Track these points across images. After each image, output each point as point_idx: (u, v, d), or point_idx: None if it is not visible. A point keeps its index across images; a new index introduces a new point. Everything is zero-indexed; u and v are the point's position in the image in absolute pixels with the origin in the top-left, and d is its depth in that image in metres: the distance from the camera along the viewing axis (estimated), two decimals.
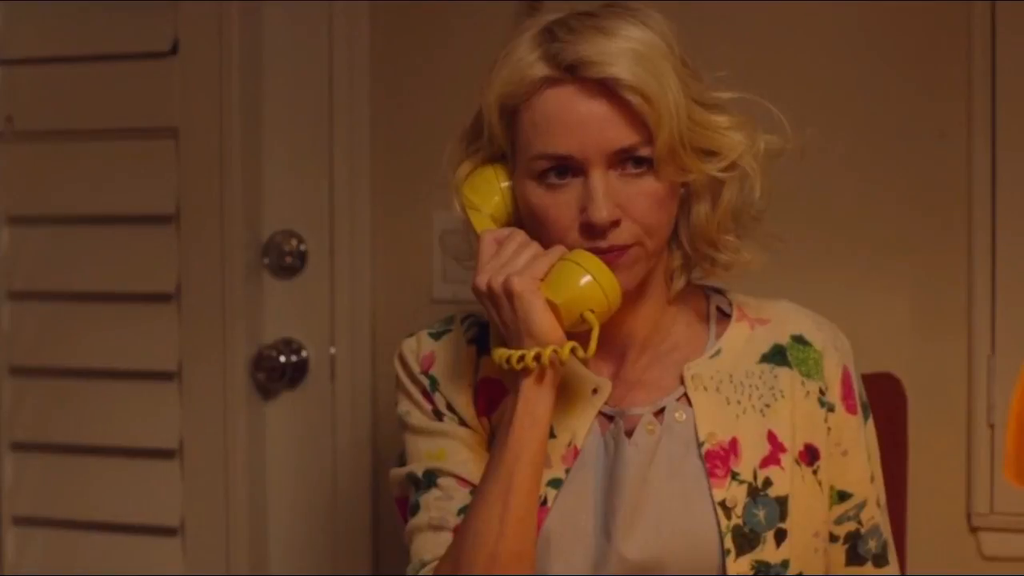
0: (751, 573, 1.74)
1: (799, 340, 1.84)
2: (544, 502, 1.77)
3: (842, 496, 1.83)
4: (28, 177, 2.69)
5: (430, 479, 1.82)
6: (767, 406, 1.79)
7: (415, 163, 2.51)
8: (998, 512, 2.29)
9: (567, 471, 1.79)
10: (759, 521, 1.75)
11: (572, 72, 1.72)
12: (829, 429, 1.81)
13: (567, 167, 1.73)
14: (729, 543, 1.73)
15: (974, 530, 2.31)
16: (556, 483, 1.78)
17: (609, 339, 1.79)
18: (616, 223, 1.72)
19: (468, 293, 2.38)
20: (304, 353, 2.60)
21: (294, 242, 2.59)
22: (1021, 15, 2.25)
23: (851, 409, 1.83)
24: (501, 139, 1.79)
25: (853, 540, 1.85)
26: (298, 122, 2.58)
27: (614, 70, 1.70)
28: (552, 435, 1.78)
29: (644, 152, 1.72)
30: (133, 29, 2.60)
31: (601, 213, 1.71)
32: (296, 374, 2.60)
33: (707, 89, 1.78)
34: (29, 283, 2.69)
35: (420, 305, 2.51)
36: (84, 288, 2.65)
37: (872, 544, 1.85)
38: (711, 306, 1.89)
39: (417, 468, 1.84)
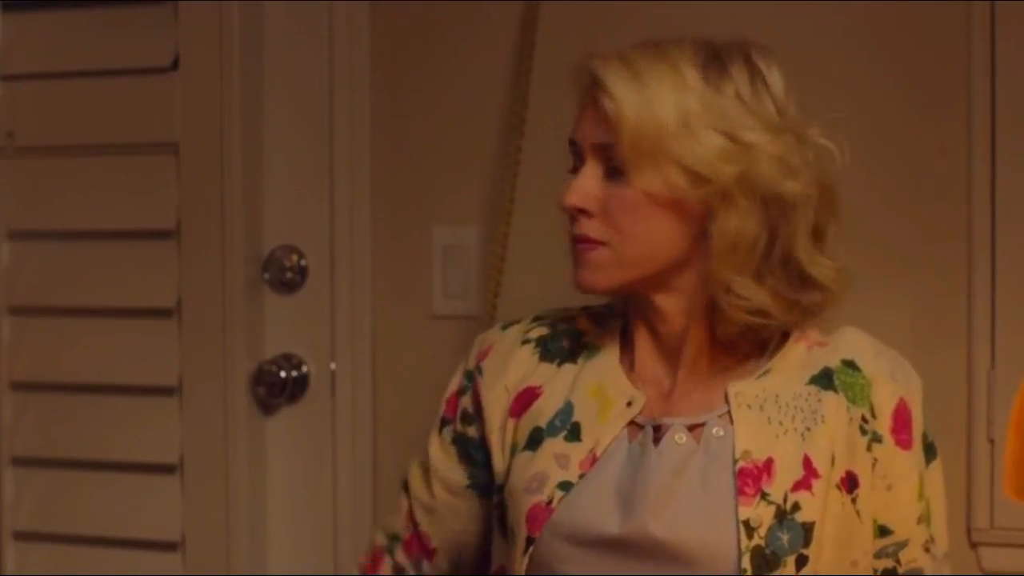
0: None
1: (850, 364, 1.84)
2: (549, 502, 1.80)
3: (882, 531, 1.82)
4: (29, 192, 2.69)
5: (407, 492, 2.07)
6: (808, 429, 1.79)
7: (416, 178, 2.51)
8: (998, 527, 2.29)
9: (581, 476, 1.81)
10: (782, 544, 1.74)
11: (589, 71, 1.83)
12: (875, 460, 1.80)
13: (579, 157, 1.84)
14: (747, 563, 1.73)
15: (974, 545, 2.30)
16: (566, 486, 1.81)
17: (663, 353, 1.86)
18: (586, 213, 1.80)
19: (469, 309, 2.41)
20: (304, 368, 2.60)
21: (294, 257, 2.59)
22: (1021, 27, 2.26)
23: (903, 444, 1.81)
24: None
25: None
26: (299, 137, 2.59)
27: (602, 71, 1.79)
28: (578, 439, 1.83)
29: (616, 153, 1.78)
30: (134, 44, 2.61)
31: (568, 197, 1.81)
32: (296, 389, 2.60)
33: (750, 122, 1.79)
34: (30, 298, 2.69)
35: (421, 321, 2.52)
36: (84, 303, 2.65)
37: None
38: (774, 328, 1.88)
39: (412, 477, 2.05)
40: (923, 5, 2.30)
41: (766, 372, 1.84)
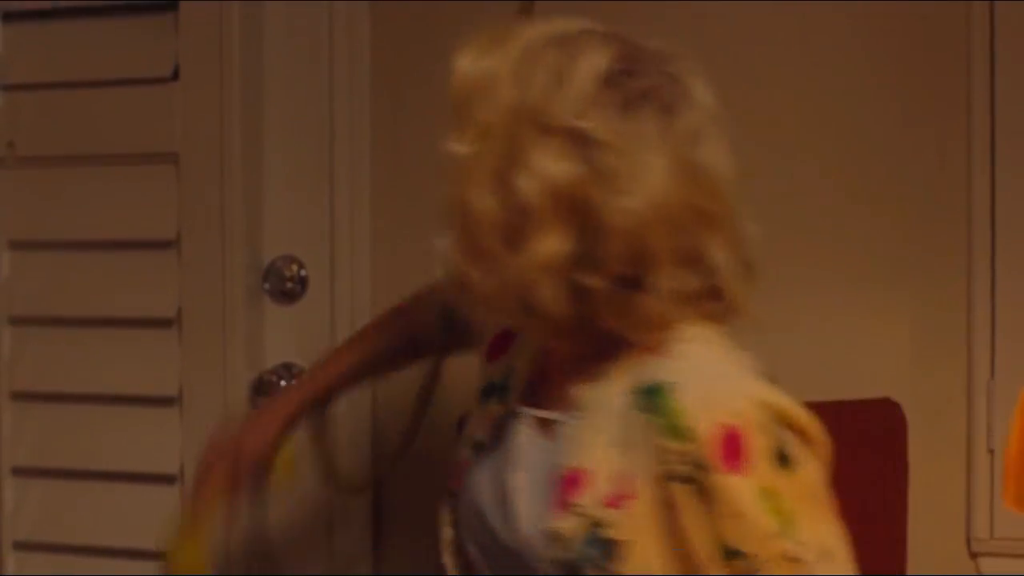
0: None
1: (659, 388, 1.73)
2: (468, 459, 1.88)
3: (732, 553, 1.73)
4: (29, 202, 2.70)
5: None
6: (627, 444, 1.74)
7: (416, 188, 2.51)
8: (998, 537, 2.29)
9: (480, 441, 1.89)
10: (587, 557, 1.72)
11: None
12: (699, 487, 1.70)
13: None
14: (542, 567, 1.74)
15: (974, 555, 2.31)
16: (480, 446, 1.88)
17: (542, 349, 1.85)
18: None
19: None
20: None
21: (295, 267, 2.60)
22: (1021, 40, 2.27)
23: (735, 469, 1.70)
24: None
25: None
26: (299, 147, 2.59)
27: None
28: (500, 402, 1.87)
29: None
30: (134, 54, 2.61)
31: None
32: None
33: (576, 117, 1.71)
34: (30, 308, 2.70)
35: None
36: (85, 313, 2.66)
37: None
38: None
39: None
40: (921, 9, 2.31)
41: (608, 376, 1.77)
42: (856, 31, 2.34)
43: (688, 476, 1.70)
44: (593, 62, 1.71)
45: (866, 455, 2.24)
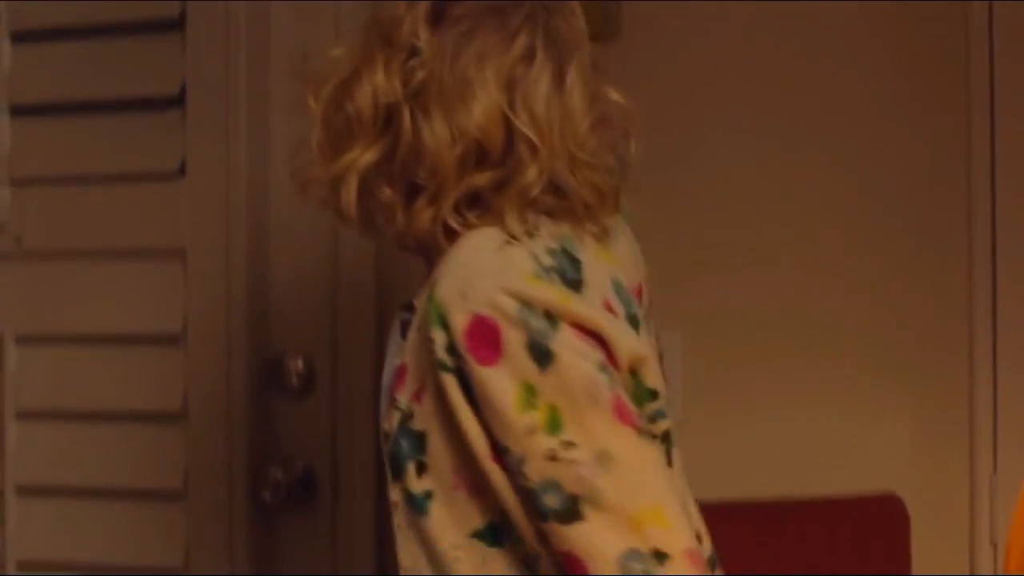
0: (401, 499, 1.77)
1: (431, 283, 1.75)
2: None
3: (497, 449, 1.72)
4: (36, 296, 2.71)
5: None
6: (423, 338, 1.74)
7: (420, 279, 2.53)
8: None
9: None
10: (403, 450, 1.76)
11: None
12: (457, 374, 1.71)
13: None
14: (388, 470, 1.78)
15: None
16: None
17: None
18: None
19: None
20: (310, 473, 2.61)
21: (300, 363, 2.61)
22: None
23: (484, 360, 1.70)
24: None
25: (528, 497, 1.73)
26: (304, 244, 2.61)
27: None
28: None
29: None
30: (142, 150, 2.64)
31: None
32: (302, 494, 2.60)
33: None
34: (36, 402, 2.71)
35: None
36: (91, 407, 2.67)
37: (551, 500, 1.70)
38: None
39: None
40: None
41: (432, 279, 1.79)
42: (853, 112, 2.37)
43: (449, 365, 1.71)
44: None
45: (869, 549, 2.24)
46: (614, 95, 1.83)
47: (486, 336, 1.70)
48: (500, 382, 1.69)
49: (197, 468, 2.59)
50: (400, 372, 1.77)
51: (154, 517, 2.63)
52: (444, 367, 1.70)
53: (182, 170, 2.61)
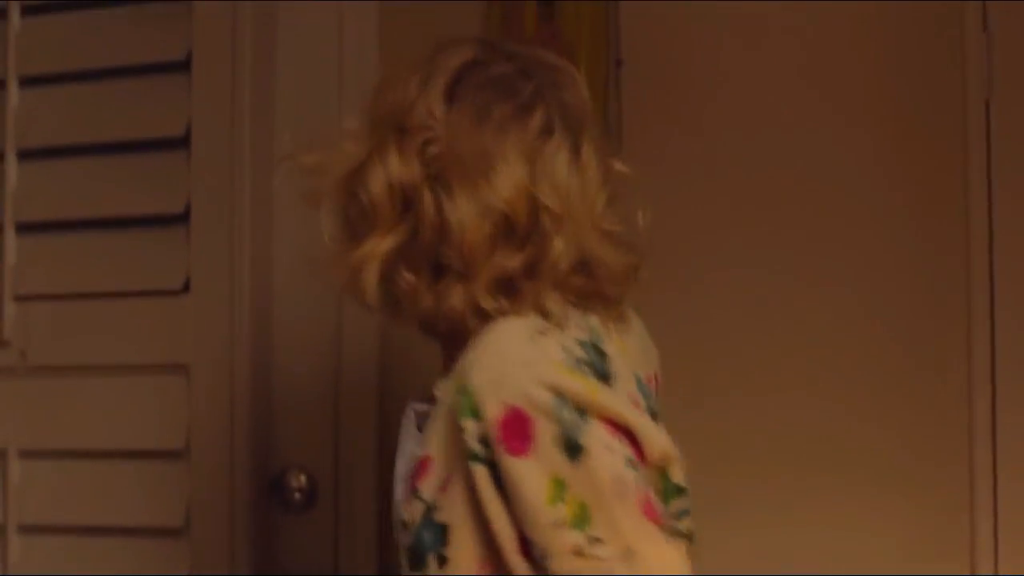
0: None
1: (460, 372, 1.75)
2: None
3: (524, 542, 1.73)
4: (40, 411, 2.71)
5: None
6: (451, 428, 1.74)
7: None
8: None
9: None
10: (424, 542, 1.75)
11: None
12: (493, 470, 1.72)
13: None
14: (404, 560, 1.76)
15: None
16: None
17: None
18: None
19: None
20: None
21: (302, 478, 2.61)
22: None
23: (515, 450, 1.70)
24: None
25: None
26: (307, 360, 2.63)
27: None
28: None
29: None
30: (145, 267, 2.66)
31: None
32: None
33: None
34: (38, 517, 2.71)
35: None
36: (94, 521, 2.66)
37: None
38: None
39: None
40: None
41: (451, 370, 1.79)
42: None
43: (481, 455, 1.71)
44: (453, 59, 1.80)
45: None
46: (619, 166, 1.86)
47: (519, 427, 1.70)
48: (530, 474, 1.70)
49: None
50: (423, 464, 1.76)
51: None
52: (476, 457, 1.71)
53: (186, 287, 2.63)
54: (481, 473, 1.71)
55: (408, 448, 1.86)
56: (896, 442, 2.35)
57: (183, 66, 2.65)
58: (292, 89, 2.66)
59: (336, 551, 2.58)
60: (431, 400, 1.80)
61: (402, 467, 1.86)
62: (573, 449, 1.70)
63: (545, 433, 1.69)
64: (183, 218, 2.63)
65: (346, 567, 2.58)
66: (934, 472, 2.34)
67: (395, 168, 1.77)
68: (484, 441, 1.70)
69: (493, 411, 1.70)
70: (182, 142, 2.64)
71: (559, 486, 1.69)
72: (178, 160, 2.64)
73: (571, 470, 1.69)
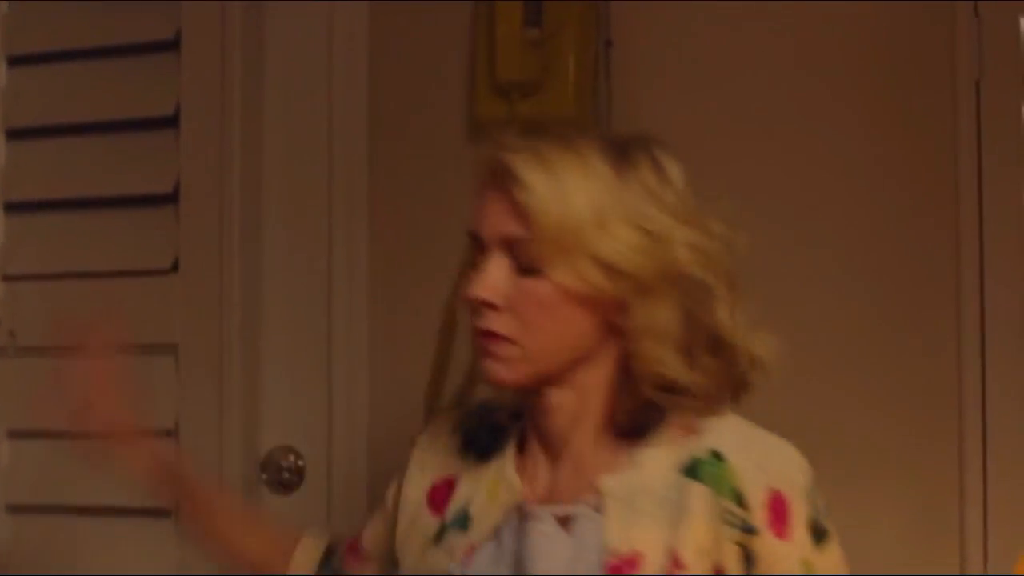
0: None
1: (715, 455, 1.79)
2: None
3: None
4: (30, 391, 2.70)
5: None
6: (676, 522, 1.76)
7: (412, 380, 2.53)
8: None
9: (463, 562, 1.84)
10: None
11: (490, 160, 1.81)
12: (748, 551, 1.76)
13: (482, 250, 1.81)
14: None
15: None
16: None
17: (547, 446, 1.86)
18: (493, 307, 1.78)
19: None
20: None
21: (291, 458, 2.61)
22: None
23: (780, 534, 1.76)
24: None
25: None
26: (297, 339, 2.63)
27: (513, 161, 1.77)
28: (466, 529, 1.86)
29: (534, 247, 1.77)
30: (135, 246, 2.66)
31: (473, 289, 1.78)
32: None
33: (655, 211, 1.80)
34: (28, 497, 2.71)
35: None
36: (83, 502, 2.66)
37: None
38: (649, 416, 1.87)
39: None
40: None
41: (639, 463, 1.81)
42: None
43: (739, 539, 1.75)
44: (676, 170, 1.84)
45: None
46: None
47: (780, 510, 1.76)
48: (789, 556, 1.77)
49: (188, 565, 2.57)
50: (628, 562, 1.76)
51: None
52: (733, 540, 1.75)
53: (175, 266, 2.62)
54: (735, 554, 1.76)
55: (554, 553, 1.81)
56: (886, 424, 2.35)
57: (172, 45, 2.64)
58: (281, 67, 2.65)
59: (330, 530, 2.57)
60: (563, 501, 1.82)
61: (551, 568, 1.81)
62: (820, 533, 1.80)
63: (801, 516, 1.78)
64: (172, 198, 2.63)
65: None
66: (924, 454, 2.33)
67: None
68: (743, 526, 1.76)
69: (759, 495, 1.76)
70: (171, 121, 2.63)
71: (807, 567, 1.78)
72: (167, 139, 2.63)
73: (816, 553, 1.78)
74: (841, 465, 2.34)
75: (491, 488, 1.87)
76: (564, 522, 1.81)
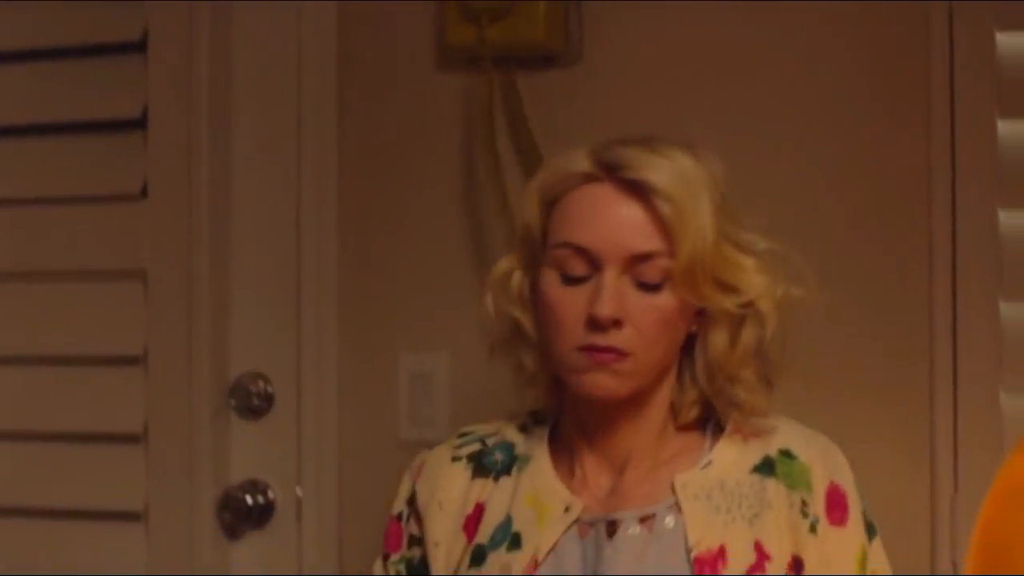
0: None
1: (786, 453, 1.87)
2: None
3: None
4: None
5: None
6: (756, 516, 1.83)
7: (382, 306, 2.53)
8: None
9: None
10: None
11: (612, 172, 1.81)
12: (816, 541, 1.84)
13: (588, 264, 1.80)
14: None
15: None
16: None
17: (609, 455, 1.89)
18: (619, 324, 1.79)
19: (435, 434, 2.41)
20: (271, 494, 2.60)
21: (261, 384, 2.60)
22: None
23: (837, 521, 1.85)
24: (536, 230, 1.87)
25: None
26: (265, 264, 2.60)
27: (650, 174, 1.78)
28: (519, 547, 1.85)
29: (661, 263, 1.79)
30: (104, 171, 2.64)
31: (604, 308, 1.78)
32: (262, 515, 2.59)
33: (741, 230, 1.86)
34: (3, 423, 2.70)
35: (387, 447, 2.52)
36: (50, 428, 2.65)
37: None
38: (708, 421, 1.94)
39: None
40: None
41: (708, 463, 1.88)
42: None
43: (811, 528, 1.83)
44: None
45: None
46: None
47: (838, 501, 1.86)
48: (847, 544, 1.86)
49: (157, 490, 2.58)
50: (711, 558, 1.81)
51: (114, 538, 2.61)
52: (809, 528, 1.84)
53: (144, 192, 2.60)
54: (812, 542, 1.85)
55: (636, 553, 1.84)
56: (857, 349, 2.35)
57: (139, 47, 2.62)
58: (250, 43, 2.63)
59: (299, 456, 2.57)
60: (631, 505, 1.85)
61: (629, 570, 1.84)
62: (870, 527, 1.91)
63: (856, 508, 1.88)
64: (140, 123, 2.60)
65: (308, 471, 2.56)
66: (895, 379, 2.34)
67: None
68: (814, 515, 1.85)
69: (821, 486, 1.86)
70: (139, 123, 2.61)
71: (863, 556, 1.87)
72: (136, 64, 2.61)
73: (869, 545, 1.89)
74: (815, 389, 2.35)
75: (531, 501, 1.90)
76: (643, 522, 1.84)
